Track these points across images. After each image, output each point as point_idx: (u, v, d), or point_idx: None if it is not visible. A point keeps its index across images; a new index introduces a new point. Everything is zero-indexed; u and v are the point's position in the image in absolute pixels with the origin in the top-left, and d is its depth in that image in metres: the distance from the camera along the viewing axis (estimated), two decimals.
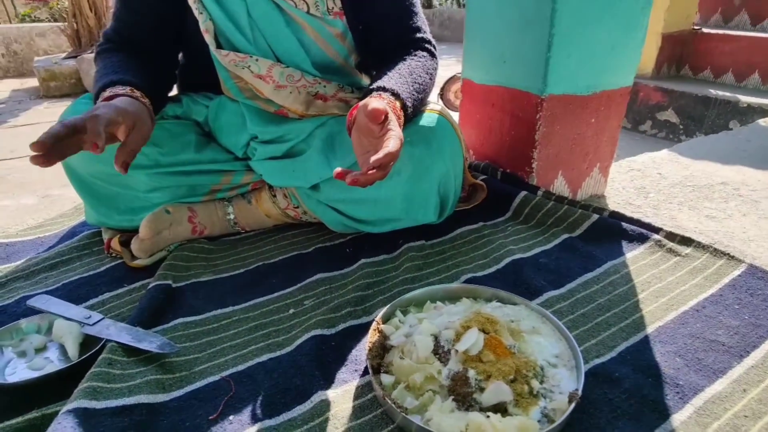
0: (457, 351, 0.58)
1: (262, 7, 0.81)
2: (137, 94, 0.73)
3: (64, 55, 3.65)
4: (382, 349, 0.63)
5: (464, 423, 0.51)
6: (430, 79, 0.86)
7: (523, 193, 1.02)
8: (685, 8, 2.64)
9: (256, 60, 0.84)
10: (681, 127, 2.51)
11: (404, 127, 0.76)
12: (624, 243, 0.93)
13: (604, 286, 0.81)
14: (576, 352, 0.60)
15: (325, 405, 0.58)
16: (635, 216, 1.06)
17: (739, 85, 2.59)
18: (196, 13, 0.81)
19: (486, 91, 1.07)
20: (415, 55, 0.87)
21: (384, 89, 0.74)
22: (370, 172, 0.59)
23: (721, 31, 2.71)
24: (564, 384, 0.57)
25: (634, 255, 0.89)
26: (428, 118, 0.86)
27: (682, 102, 2.49)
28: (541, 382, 0.57)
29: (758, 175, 1.38)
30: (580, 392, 0.55)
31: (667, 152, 1.59)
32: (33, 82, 3.77)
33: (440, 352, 0.59)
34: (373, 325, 0.65)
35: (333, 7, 0.86)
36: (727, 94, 2.39)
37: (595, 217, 0.97)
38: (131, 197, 0.88)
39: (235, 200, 0.97)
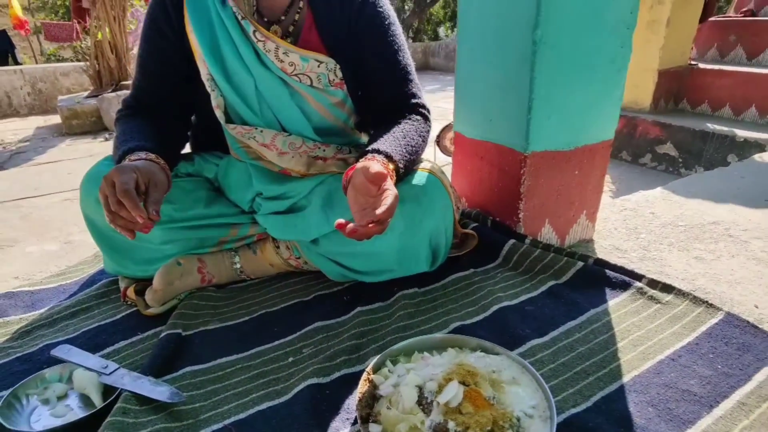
0: (438, 403, 0.63)
1: (268, 81, 0.90)
2: (152, 156, 0.82)
3: (86, 94, 3.85)
4: (372, 398, 0.68)
5: None
6: (423, 141, 0.94)
7: (512, 241, 1.08)
8: (680, 45, 2.72)
9: (261, 131, 0.93)
10: (680, 160, 2.56)
11: (396, 185, 0.82)
12: (607, 290, 0.98)
13: (585, 334, 0.86)
14: (551, 403, 0.65)
15: None
16: (622, 260, 1.11)
17: (737, 118, 2.64)
18: (208, 89, 0.91)
19: (475, 145, 1.15)
20: (410, 119, 0.94)
21: (378, 152, 0.82)
22: (370, 225, 0.66)
23: (716, 67, 2.79)
24: None
25: (616, 302, 0.94)
26: (419, 177, 0.93)
27: (680, 136, 2.54)
28: None
29: (750, 214, 1.41)
30: None
31: (660, 190, 1.63)
32: (56, 119, 3.96)
33: (424, 403, 0.64)
34: (364, 375, 0.70)
35: (334, 79, 0.94)
36: (725, 128, 2.44)
37: (580, 264, 1.02)
38: (146, 249, 0.96)
39: (241, 250, 1.04)
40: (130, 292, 0.97)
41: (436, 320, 0.91)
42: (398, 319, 0.90)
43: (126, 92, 3.52)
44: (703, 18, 2.81)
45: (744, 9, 3.38)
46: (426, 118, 0.98)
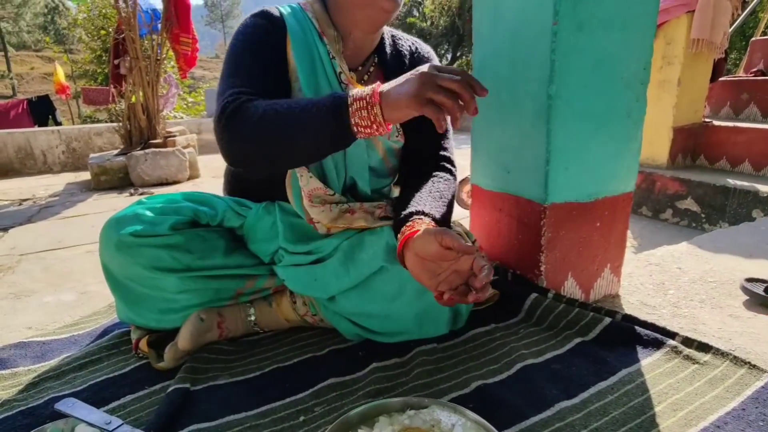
0: None
1: None
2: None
3: (116, 152, 4.04)
4: None
5: None
6: (453, 199, 0.96)
7: (534, 295, 1.04)
8: (693, 103, 2.76)
9: (308, 180, 0.91)
10: (703, 215, 2.51)
11: None
12: (639, 348, 0.92)
13: (618, 396, 0.79)
14: None
15: None
16: (652, 316, 1.05)
17: (758, 174, 2.61)
18: None
19: (493, 197, 1.14)
20: (441, 178, 0.97)
21: (426, 214, 0.83)
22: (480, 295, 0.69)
23: (731, 124, 2.80)
24: None
25: (649, 362, 0.88)
26: None
27: (700, 191, 2.51)
28: None
29: None
30: None
31: (686, 245, 1.58)
32: (86, 176, 4.14)
33: None
34: None
35: (400, 128, 0.99)
36: (746, 183, 2.40)
37: (608, 320, 0.97)
38: (160, 298, 0.95)
39: (257, 303, 1.02)
40: (143, 344, 0.95)
41: (456, 378, 0.85)
42: (416, 378, 0.85)
43: (154, 150, 3.68)
44: (714, 78, 2.87)
45: (754, 69, 3.45)
46: (454, 175, 1.01)
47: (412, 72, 0.72)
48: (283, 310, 1.01)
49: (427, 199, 0.88)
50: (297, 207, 0.96)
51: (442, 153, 1.02)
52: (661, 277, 1.31)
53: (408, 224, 0.81)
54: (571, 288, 1.09)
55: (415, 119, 0.98)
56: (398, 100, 0.70)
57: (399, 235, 0.81)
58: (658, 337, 0.93)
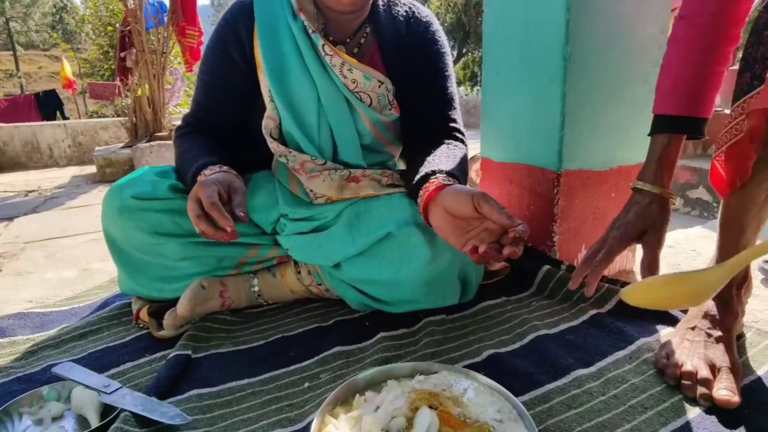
0: None
1: (331, 95, 0.90)
2: (224, 168, 0.85)
3: (121, 145, 4.04)
4: None
5: None
6: (467, 166, 0.93)
7: (546, 267, 1.01)
8: None
9: (294, 155, 0.92)
10: (715, 205, 2.46)
11: None
12: (656, 321, 0.88)
13: (637, 365, 0.76)
14: (514, 402, 0.61)
15: None
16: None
17: None
18: (267, 100, 0.91)
19: (504, 168, 1.11)
20: (452, 144, 0.94)
21: (446, 173, 0.80)
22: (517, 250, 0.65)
23: None
24: None
25: (668, 333, 0.84)
26: None
27: None
28: None
29: None
30: None
31: (700, 228, 1.54)
32: (91, 169, 4.14)
33: None
34: None
35: (393, 101, 0.95)
36: None
37: None
38: (162, 266, 0.93)
39: (260, 273, 1.00)
40: (143, 314, 0.93)
41: (467, 347, 0.82)
42: (425, 346, 0.82)
43: (160, 143, 3.68)
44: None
45: None
46: (464, 143, 0.97)
47: (197, 186, 0.78)
48: (287, 281, 0.98)
49: (443, 160, 0.84)
50: (296, 187, 0.95)
51: (450, 124, 0.98)
52: (676, 259, 1.27)
53: (431, 181, 0.78)
54: None
55: (412, 90, 0.96)
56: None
57: (421, 192, 0.78)
58: (676, 313, 0.89)
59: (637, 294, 0.54)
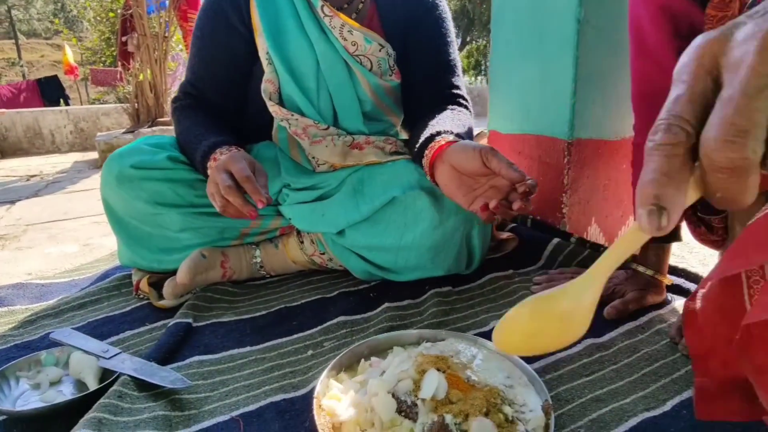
0: (423, 400, 0.51)
1: (330, 59, 0.88)
2: (240, 149, 0.83)
3: (123, 130, 4.01)
4: (334, 430, 0.53)
5: None
6: (472, 132, 0.90)
7: (556, 240, 0.98)
8: None
9: (297, 119, 0.90)
10: None
11: None
12: (669, 293, 0.86)
13: (650, 335, 0.74)
14: (524, 368, 0.59)
15: None
16: (681, 266, 0.99)
17: None
18: (265, 63, 0.88)
19: (512, 140, 1.08)
20: (456, 109, 0.91)
21: (451, 133, 0.77)
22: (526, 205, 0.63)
23: None
24: (530, 401, 0.54)
25: (681, 303, 0.82)
26: None
27: None
28: (510, 407, 0.52)
29: None
30: (550, 401, 0.52)
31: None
32: (94, 155, 4.12)
33: (404, 409, 0.52)
34: (314, 403, 0.54)
35: (393, 66, 0.93)
36: None
37: (638, 266, 0.90)
38: (162, 237, 0.91)
39: (262, 244, 0.98)
40: (143, 284, 0.91)
41: (474, 317, 0.80)
42: (431, 316, 0.80)
43: (162, 128, 3.66)
44: None
45: None
46: (469, 110, 0.94)
47: (224, 158, 0.77)
48: (289, 251, 0.96)
49: (448, 123, 0.82)
50: (298, 155, 0.93)
51: (453, 90, 0.95)
52: (688, 236, 1.25)
53: (437, 140, 0.75)
54: (594, 235, 1.03)
55: (413, 56, 0.93)
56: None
57: (426, 151, 0.76)
58: (690, 285, 0.87)
59: (504, 336, 0.44)
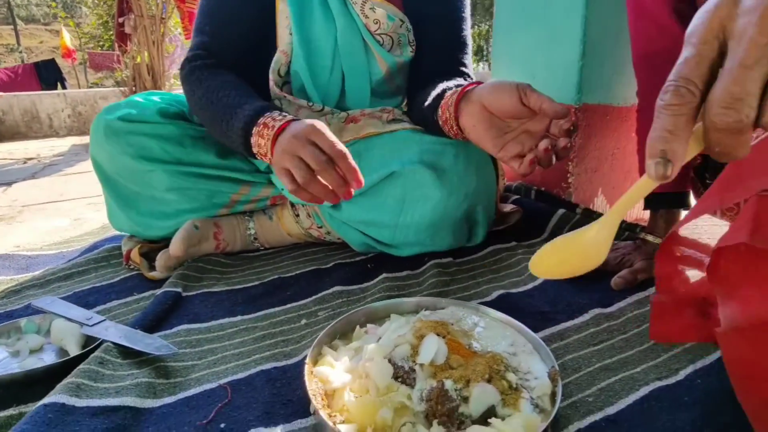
0: (422, 365, 0.48)
1: (349, 36, 0.83)
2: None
3: None
4: (327, 397, 0.50)
5: None
6: None
7: (561, 211, 0.94)
8: None
9: (289, 101, 0.86)
10: None
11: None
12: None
13: None
14: (529, 335, 0.57)
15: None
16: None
17: None
18: (285, 33, 0.83)
19: None
20: (463, 80, 0.87)
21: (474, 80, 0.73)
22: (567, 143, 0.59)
23: None
24: (535, 368, 0.51)
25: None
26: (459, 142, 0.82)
27: None
28: (514, 374, 0.50)
29: None
30: (557, 367, 0.51)
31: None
32: None
33: (401, 374, 0.49)
34: (306, 369, 0.51)
35: (413, 41, 0.89)
36: None
37: (647, 236, 0.87)
38: (151, 198, 0.88)
39: (256, 215, 0.94)
40: (134, 254, 0.88)
41: (475, 288, 0.77)
42: (431, 287, 0.76)
43: None
44: None
45: None
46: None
47: (302, 124, 0.64)
48: (284, 223, 0.93)
49: (461, 82, 0.78)
50: None
51: (461, 68, 0.91)
52: None
53: (459, 88, 0.70)
54: (601, 206, 0.99)
55: (426, 31, 0.89)
56: (276, 147, 0.66)
57: (447, 95, 0.71)
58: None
59: (538, 264, 0.51)
